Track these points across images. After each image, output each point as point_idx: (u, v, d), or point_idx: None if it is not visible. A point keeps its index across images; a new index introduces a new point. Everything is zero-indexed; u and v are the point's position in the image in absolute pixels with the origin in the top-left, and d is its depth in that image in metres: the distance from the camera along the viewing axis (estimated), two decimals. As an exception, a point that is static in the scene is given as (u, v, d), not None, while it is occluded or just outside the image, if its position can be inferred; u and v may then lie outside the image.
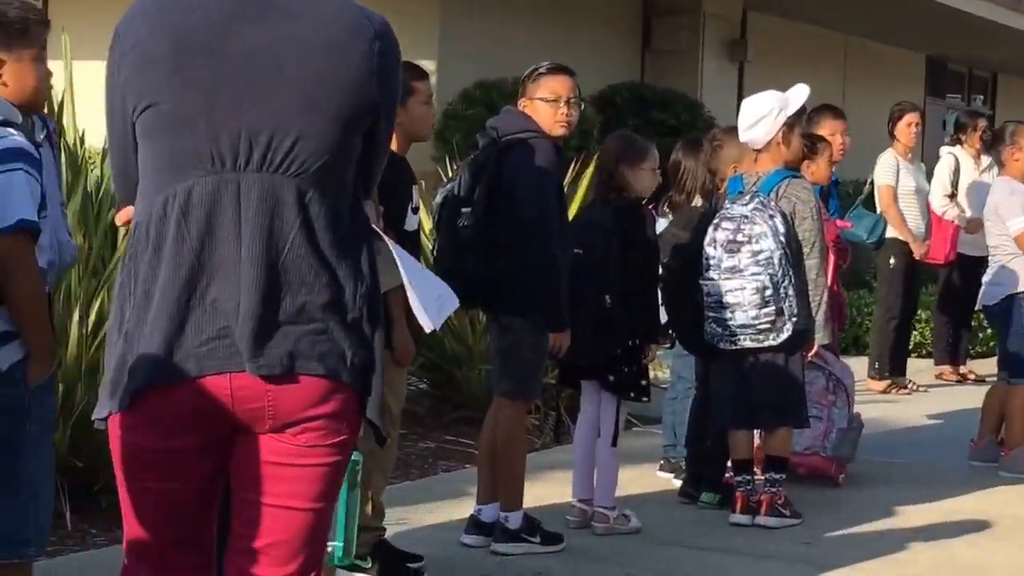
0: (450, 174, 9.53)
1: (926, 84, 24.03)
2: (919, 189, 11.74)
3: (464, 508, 7.03)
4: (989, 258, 9.12)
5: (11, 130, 4.40)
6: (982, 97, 26.38)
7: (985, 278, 9.12)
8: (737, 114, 7.52)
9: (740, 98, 19.33)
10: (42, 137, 5.13)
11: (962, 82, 25.89)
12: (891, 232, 11.52)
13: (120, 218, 3.46)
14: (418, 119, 6.14)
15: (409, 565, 6.21)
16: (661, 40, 18.50)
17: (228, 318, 3.17)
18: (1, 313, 4.41)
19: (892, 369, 11.99)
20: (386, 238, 3.46)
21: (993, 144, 10.00)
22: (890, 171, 11.56)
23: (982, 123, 12.81)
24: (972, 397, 10.18)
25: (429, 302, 3.46)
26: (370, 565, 6.01)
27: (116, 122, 3.36)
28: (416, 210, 6.15)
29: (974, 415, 9.36)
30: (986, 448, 9.03)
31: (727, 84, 18.33)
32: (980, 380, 12.37)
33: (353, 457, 4.51)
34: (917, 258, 11.66)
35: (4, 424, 4.44)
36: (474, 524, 6.73)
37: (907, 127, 11.72)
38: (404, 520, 6.90)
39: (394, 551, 6.21)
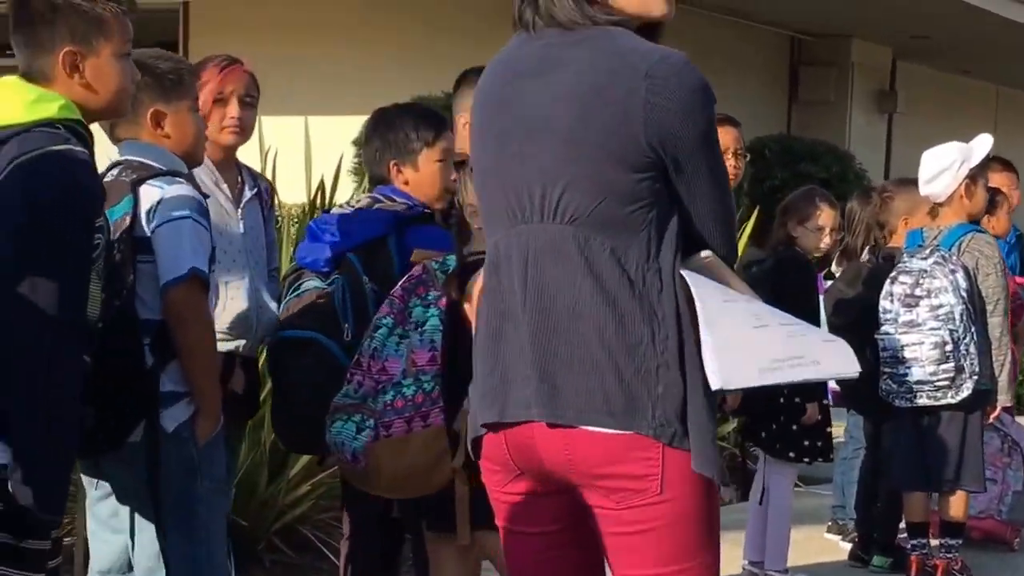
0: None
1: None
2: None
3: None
4: None
5: (179, 180, 4.29)
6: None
7: None
8: (886, 166, 7.24)
9: (889, 150, 19.12)
10: (251, 195, 4.98)
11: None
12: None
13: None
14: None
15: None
16: (809, 91, 18.24)
17: (521, 368, 3.13)
18: (169, 373, 4.25)
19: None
20: (688, 276, 3.10)
21: None
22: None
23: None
24: None
25: (730, 355, 3.05)
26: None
27: None
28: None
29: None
30: None
31: (876, 135, 17.98)
32: None
33: None
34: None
35: (176, 483, 4.28)
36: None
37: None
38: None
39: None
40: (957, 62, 19.52)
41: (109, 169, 4.39)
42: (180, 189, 4.26)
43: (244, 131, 4.95)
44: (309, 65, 14.41)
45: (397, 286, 4.45)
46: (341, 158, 8.76)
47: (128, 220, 4.17)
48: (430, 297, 4.36)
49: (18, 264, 3.50)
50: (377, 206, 4.87)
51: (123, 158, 4.41)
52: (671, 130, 3.06)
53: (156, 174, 4.28)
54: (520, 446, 3.16)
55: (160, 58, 4.47)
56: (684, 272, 3.09)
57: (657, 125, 3.05)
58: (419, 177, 4.91)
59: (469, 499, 4.26)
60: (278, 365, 4.86)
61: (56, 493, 3.59)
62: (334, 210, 5.01)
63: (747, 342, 3.05)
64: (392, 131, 4.90)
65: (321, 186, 8.16)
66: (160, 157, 4.37)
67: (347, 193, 9.75)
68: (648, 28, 3.21)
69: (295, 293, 4.82)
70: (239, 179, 5.06)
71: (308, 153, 8.19)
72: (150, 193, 4.24)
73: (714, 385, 3.06)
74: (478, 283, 3.38)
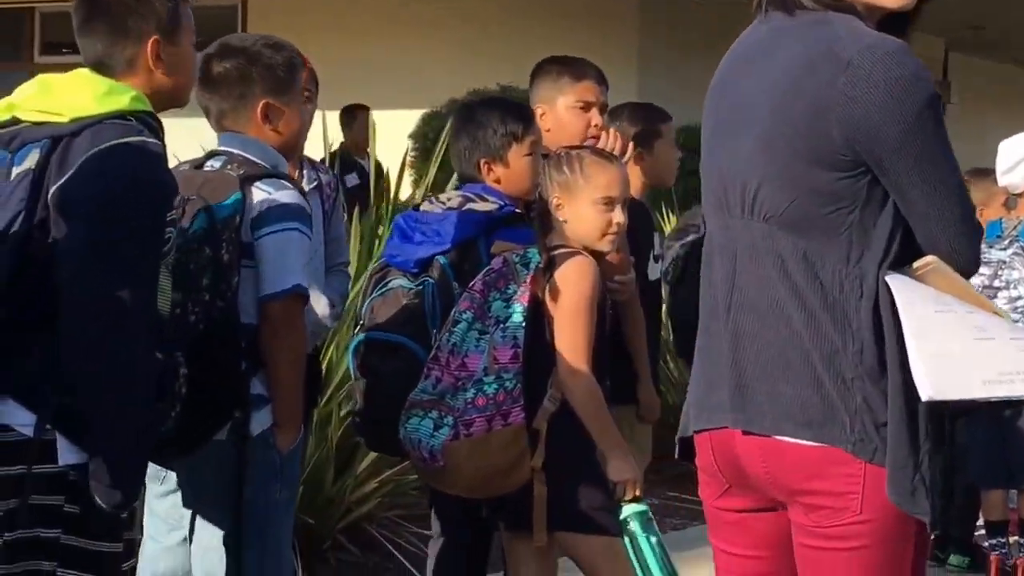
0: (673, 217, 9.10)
1: None
2: None
3: (705, 567, 6.56)
4: None
5: (286, 183, 4.15)
6: None
7: None
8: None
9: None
10: (312, 187, 4.86)
11: None
12: None
13: None
14: (663, 163, 5.76)
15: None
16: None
17: (722, 370, 2.95)
18: (260, 377, 4.14)
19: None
20: (892, 283, 2.82)
21: None
22: None
23: None
24: None
25: (944, 363, 2.75)
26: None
27: None
28: (658, 258, 5.75)
29: None
30: None
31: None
32: None
33: (641, 508, 4.27)
34: None
35: (257, 487, 4.17)
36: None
37: None
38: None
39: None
40: (1011, 52, 19.26)
41: (207, 158, 4.29)
42: (288, 196, 4.14)
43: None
44: (367, 62, 14.32)
45: (477, 279, 4.32)
46: (406, 152, 8.65)
47: (237, 220, 4.04)
48: (510, 291, 4.24)
49: (90, 259, 3.40)
50: (468, 206, 4.70)
51: (224, 149, 4.28)
52: (870, 126, 2.76)
53: (264, 174, 4.15)
54: (724, 454, 2.98)
55: (273, 47, 4.34)
56: (889, 279, 2.80)
57: (854, 121, 2.77)
58: (510, 173, 4.75)
59: (547, 500, 4.18)
60: (366, 367, 4.70)
61: (132, 492, 3.51)
62: (424, 206, 4.83)
63: (965, 353, 2.75)
64: (480, 128, 4.74)
65: (386, 179, 8.03)
66: (263, 153, 4.24)
67: (408, 187, 9.68)
68: (896, 19, 2.94)
69: (380, 292, 4.66)
70: (300, 172, 4.96)
71: (373, 147, 8.06)
72: (259, 196, 4.11)
73: (924, 395, 2.73)
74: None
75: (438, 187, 9.34)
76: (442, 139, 8.48)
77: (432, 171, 8.23)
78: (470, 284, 4.32)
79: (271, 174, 4.16)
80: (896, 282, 2.79)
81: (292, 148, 4.39)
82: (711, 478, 3.04)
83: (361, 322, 4.69)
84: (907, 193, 2.82)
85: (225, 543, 4.18)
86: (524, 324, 4.17)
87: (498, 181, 4.75)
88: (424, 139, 12.16)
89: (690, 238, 6.07)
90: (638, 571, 4.17)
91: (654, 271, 5.65)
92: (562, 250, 4.26)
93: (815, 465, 2.80)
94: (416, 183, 10.10)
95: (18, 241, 3.42)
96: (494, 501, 4.32)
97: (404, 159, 8.43)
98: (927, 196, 2.82)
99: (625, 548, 4.20)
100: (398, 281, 4.63)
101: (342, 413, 6.77)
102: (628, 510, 4.21)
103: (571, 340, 4.19)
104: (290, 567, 4.38)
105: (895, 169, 2.79)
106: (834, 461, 2.78)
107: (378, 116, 9.67)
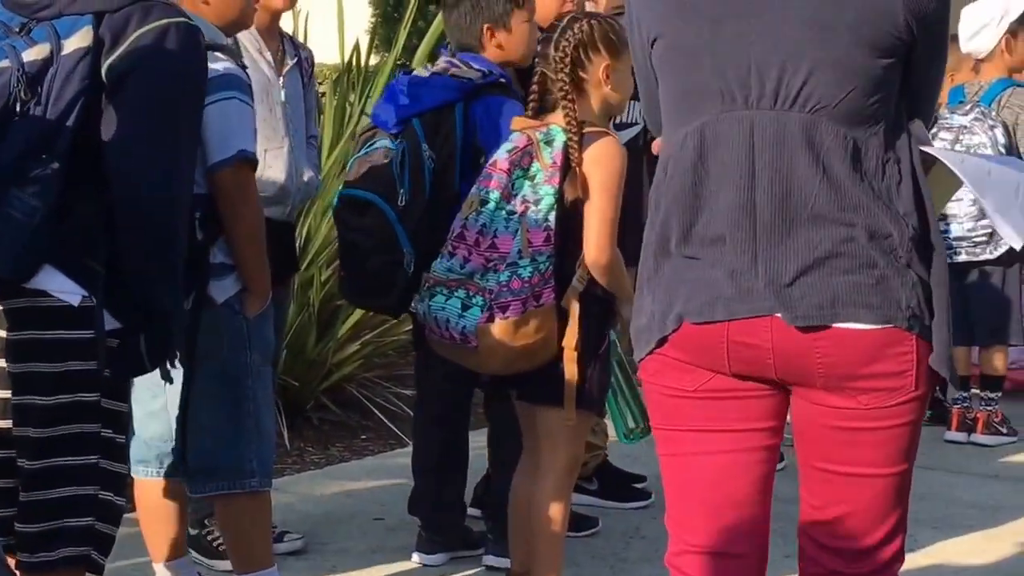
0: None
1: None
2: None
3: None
4: None
5: (220, 55, 4.04)
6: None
7: None
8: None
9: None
10: (292, 64, 4.83)
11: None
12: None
13: (655, 150, 3.09)
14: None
15: (635, 485, 5.88)
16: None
17: (756, 265, 2.74)
18: (220, 246, 4.09)
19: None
20: (941, 155, 2.89)
21: None
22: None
23: None
24: None
25: (1012, 214, 2.87)
26: (595, 487, 5.74)
27: (636, 50, 3.01)
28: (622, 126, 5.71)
29: None
30: None
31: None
32: None
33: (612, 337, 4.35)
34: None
35: (225, 354, 4.15)
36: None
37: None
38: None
39: (618, 472, 5.89)
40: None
41: None
42: (224, 66, 4.04)
43: None
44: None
45: (501, 156, 4.22)
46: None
47: None
48: (534, 170, 4.16)
49: (141, 136, 3.43)
50: (452, 71, 4.71)
51: None
52: (928, 7, 2.73)
53: None
54: (747, 346, 2.78)
55: None
56: (930, 149, 2.84)
57: (915, 3, 2.71)
58: (512, 39, 4.75)
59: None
60: (340, 221, 4.80)
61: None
62: (417, 71, 4.84)
63: (1011, 195, 2.88)
64: None
65: (356, 48, 7.96)
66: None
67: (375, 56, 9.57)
68: None
69: (365, 151, 4.72)
70: (280, 47, 4.94)
71: (340, 15, 7.97)
72: None
73: (1018, 245, 2.91)
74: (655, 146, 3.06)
75: (409, 52, 9.33)
76: (411, 5, 8.43)
77: (402, 37, 8.18)
78: (491, 160, 4.24)
79: (208, 46, 3.99)
80: (939, 152, 2.85)
81: (231, 23, 4.24)
82: (701, 364, 2.85)
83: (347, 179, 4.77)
84: (932, 71, 2.86)
85: (182, 407, 4.17)
86: (555, 205, 4.11)
87: (500, 47, 4.74)
88: (384, 5, 12.03)
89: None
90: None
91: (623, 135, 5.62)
92: (591, 129, 4.19)
93: (876, 348, 2.73)
94: (376, 48, 10.02)
95: (81, 114, 3.40)
96: (519, 376, 4.29)
97: (373, 28, 8.30)
98: (941, 66, 2.89)
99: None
100: (383, 141, 4.67)
101: (323, 277, 6.80)
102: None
103: (601, 217, 4.12)
104: (270, 431, 4.37)
105: (935, 44, 2.80)
106: (892, 341, 2.73)
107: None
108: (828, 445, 2.84)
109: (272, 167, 4.76)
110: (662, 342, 2.86)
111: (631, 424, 4.46)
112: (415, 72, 4.84)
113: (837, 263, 2.71)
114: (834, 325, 2.73)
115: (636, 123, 5.68)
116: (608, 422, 4.82)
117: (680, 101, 2.86)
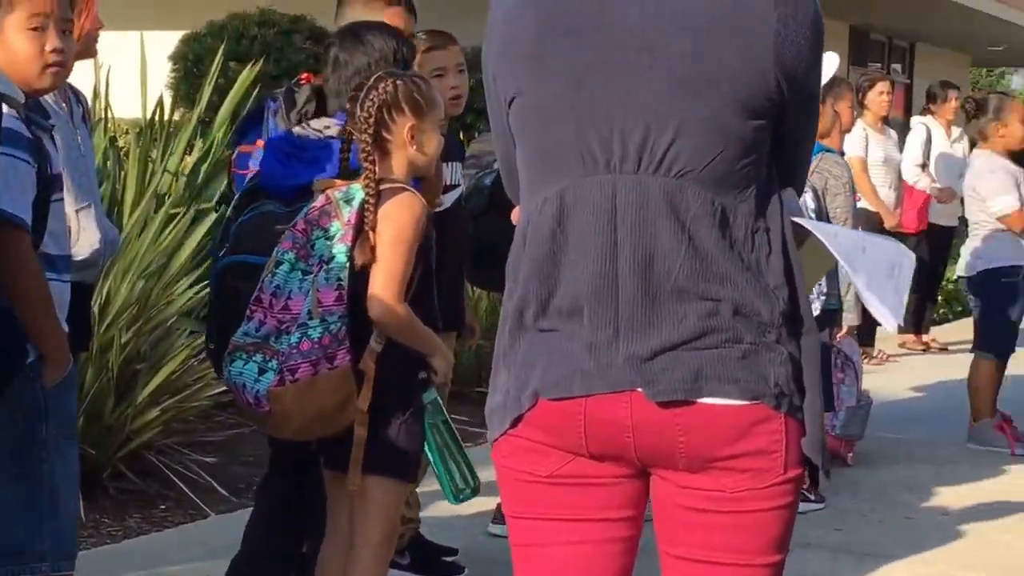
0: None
1: (849, 53, 23.62)
2: (888, 159, 11.30)
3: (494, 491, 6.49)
4: (969, 230, 8.76)
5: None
6: (900, 65, 26.05)
7: (964, 249, 8.75)
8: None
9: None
10: (79, 113, 4.50)
11: (883, 51, 25.53)
12: (862, 203, 11.05)
13: (514, 219, 2.83)
14: None
15: (445, 559, 5.70)
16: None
17: (599, 336, 2.55)
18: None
19: (862, 339, 11.53)
20: (813, 227, 2.72)
21: (976, 115, 9.53)
22: (859, 142, 11.05)
23: (954, 94, 12.41)
24: (943, 366, 10.02)
25: (885, 293, 2.71)
26: (407, 561, 5.54)
27: (493, 109, 2.76)
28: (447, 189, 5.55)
29: (952, 385, 8.98)
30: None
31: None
32: (943, 348, 12.07)
33: (432, 396, 4.18)
34: (888, 228, 11.22)
35: (19, 425, 3.82)
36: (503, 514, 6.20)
37: (878, 96, 11.27)
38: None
39: (429, 545, 5.70)
40: None
41: None
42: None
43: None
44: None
45: (299, 218, 4.07)
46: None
47: None
48: (333, 230, 3.99)
49: None
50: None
51: None
52: (800, 67, 2.58)
53: None
54: (605, 422, 2.57)
55: None
56: (804, 222, 2.68)
57: (788, 61, 2.55)
58: None
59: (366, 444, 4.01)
60: (225, 288, 4.41)
61: None
62: (296, 130, 4.51)
63: (883, 275, 2.74)
64: (372, 53, 4.49)
65: (160, 104, 7.70)
66: None
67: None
68: None
69: (249, 215, 4.40)
70: (68, 96, 4.58)
71: (144, 70, 7.70)
72: None
73: (892, 326, 2.79)
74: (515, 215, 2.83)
75: (212, 108, 9.08)
76: (216, 61, 8.19)
77: (206, 93, 7.95)
78: (292, 223, 4.07)
79: None
80: (812, 224, 2.69)
81: (21, 79, 3.84)
82: (558, 446, 2.63)
83: (227, 245, 4.43)
84: (804, 136, 2.71)
85: None
86: (348, 264, 3.95)
87: None
88: (184, 60, 11.73)
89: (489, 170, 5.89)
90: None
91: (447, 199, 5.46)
92: (389, 185, 4.04)
93: (743, 425, 2.53)
94: (177, 103, 9.74)
95: None
96: (323, 442, 4.13)
97: (177, 82, 8.05)
98: (813, 129, 2.74)
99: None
100: (269, 206, 4.38)
101: (123, 340, 6.51)
102: (428, 396, 4.20)
103: (387, 271, 3.98)
104: (71, 511, 4.10)
105: (806, 109, 2.66)
106: (759, 419, 2.54)
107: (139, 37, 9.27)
108: (689, 530, 2.63)
109: (86, 228, 4.36)
110: (517, 421, 2.64)
111: (460, 484, 4.28)
112: (296, 132, 4.56)
113: (703, 338, 2.53)
114: (698, 401, 2.53)
115: (458, 185, 5.53)
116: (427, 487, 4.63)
117: (539, 164, 2.65)
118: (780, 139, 2.63)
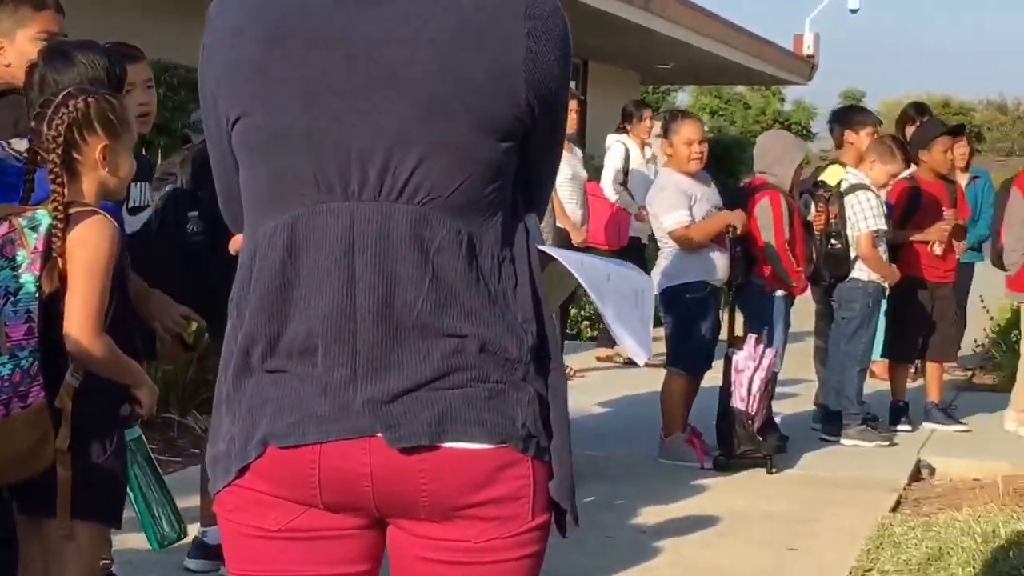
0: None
1: (524, 70, 23.85)
2: (575, 176, 11.33)
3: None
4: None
5: None
6: (574, 83, 26.41)
7: (655, 267, 8.83)
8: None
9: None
10: None
11: (556, 68, 25.83)
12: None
13: (232, 248, 2.53)
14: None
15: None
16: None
17: (345, 380, 2.33)
18: None
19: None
20: (559, 255, 2.53)
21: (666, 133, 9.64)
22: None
23: (648, 113, 12.57)
24: (634, 379, 10.16)
25: (633, 325, 2.55)
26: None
27: (212, 132, 2.48)
28: (136, 210, 5.28)
29: (643, 398, 9.04)
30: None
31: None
32: (630, 362, 12.19)
33: (136, 433, 3.99)
34: (576, 244, 11.25)
35: None
36: (199, 547, 5.95)
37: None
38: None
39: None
40: None
41: None
42: None
43: None
44: None
45: None
46: None
47: None
48: (19, 259, 3.70)
49: None
50: None
51: None
52: (551, 85, 2.41)
53: None
54: (341, 471, 2.36)
55: None
56: (550, 250, 2.51)
57: (539, 79, 2.38)
58: None
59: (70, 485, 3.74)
60: None
61: None
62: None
63: (630, 305, 2.58)
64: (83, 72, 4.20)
65: None
66: None
67: None
68: None
69: None
70: None
71: None
72: None
73: (642, 361, 2.61)
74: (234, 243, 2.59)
75: None
76: None
77: None
78: None
79: None
80: (560, 253, 2.52)
81: None
82: (289, 497, 2.41)
83: None
84: (551, 158, 2.56)
85: None
86: (37, 295, 3.67)
87: None
88: None
89: (168, 188, 5.66)
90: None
91: (130, 223, 5.20)
92: (78, 209, 3.77)
93: (489, 471, 2.36)
94: None
95: None
96: (17, 485, 3.82)
97: None
98: (558, 151, 2.59)
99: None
100: None
101: None
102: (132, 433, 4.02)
103: (83, 301, 3.73)
104: None
105: (555, 126, 2.50)
106: (506, 463, 2.37)
107: None
108: None
109: None
110: (243, 471, 2.41)
111: (167, 530, 4.04)
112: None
113: (447, 377, 2.34)
114: (442, 445, 2.35)
115: (147, 206, 5.27)
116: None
117: (268, 190, 2.41)
118: (525, 161, 2.48)
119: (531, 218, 2.53)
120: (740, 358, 8.24)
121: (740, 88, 45.98)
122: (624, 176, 12.06)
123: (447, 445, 2.35)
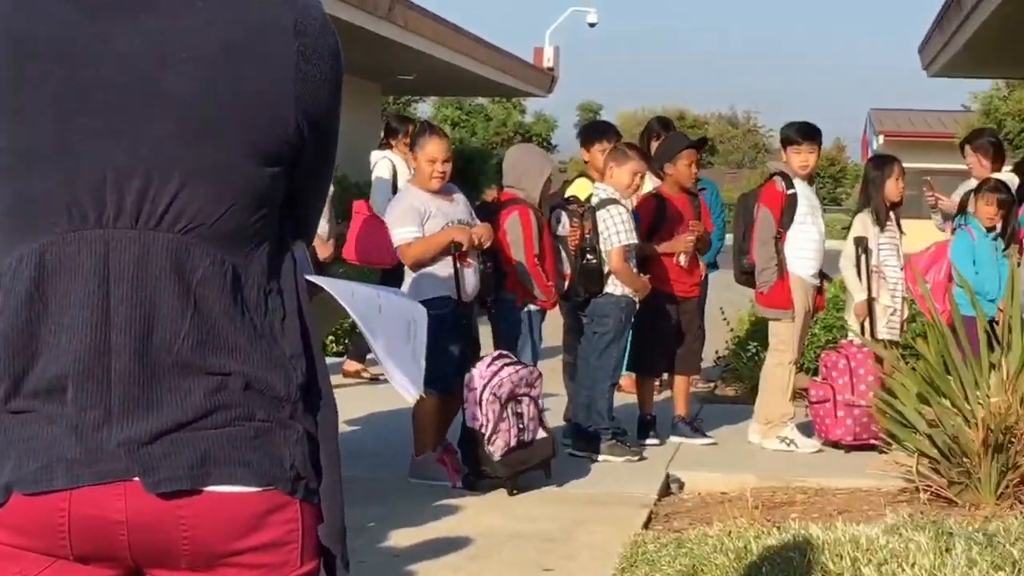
0: None
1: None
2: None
3: None
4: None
5: None
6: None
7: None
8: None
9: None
10: None
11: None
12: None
13: None
14: None
15: None
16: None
17: (98, 420, 2.15)
18: None
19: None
20: (329, 286, 2.37)
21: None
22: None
23: (410, 127, 12.43)
24: (383, 396, 10.08)
25: (404, 360, 2.42)
26: None
27: None
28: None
29: (394, 415, 8.94)
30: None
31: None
32: (375, 379, 12.02)
33: None
34: (322, 260, 11.03)
35: None
36: None
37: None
38: None
39: None
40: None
41: None
42: None
43: None
44: None
45: None
46: None
47: None
48: None
49: None
50: None
51: None
52: (321, 107, 2.28)
53: None
54: (93, 519, 2.17)
55: None
56: (318, 279, 2.34)
57: (310, 101, 2.25)
58: None
59: None
60: None
61: None
62: None
63: (401, 338, 2.45)
64: None
65: None
66: None
67: None
68: None
69: None
70: None
71: None
72: None
73: (412, 398, 2.46)
74: None
75: None
76: None
77: None
78: None
79: None
80: (329, 283, 2.36)
81: None
82: (36, 548, 2.21)
83: None
84: (319, 177, 2.40)
85: None
86: None
87: None
88: None
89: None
90: None
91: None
92: None
93: (255, 516, 2.21)
94: None
95: None
96: None
97: None
98: (328, 176, 2.44)
99: None
100: None
101: None
102: None
103: None
104: None
105: (326, 151, 2.36)
106: (274, 508, 2.22)
107: None
108: None
109: None
110: None
111: None
112: None
113: (210, 417, 2.18)
114: (205, 489, 2.18)
115: None
116: None
117: (14, 217, 2.22)
118: (293, 187, 2.32)
119: (299, 246, 2.38)
120: (475, 375, 8.09)
121: (481, 100, 46.20)
122: (393, 192, 11.89)
123: (210, 489, 2.19)
